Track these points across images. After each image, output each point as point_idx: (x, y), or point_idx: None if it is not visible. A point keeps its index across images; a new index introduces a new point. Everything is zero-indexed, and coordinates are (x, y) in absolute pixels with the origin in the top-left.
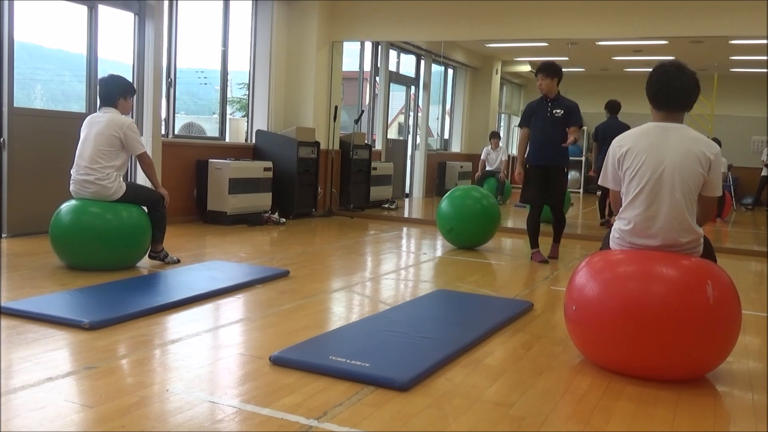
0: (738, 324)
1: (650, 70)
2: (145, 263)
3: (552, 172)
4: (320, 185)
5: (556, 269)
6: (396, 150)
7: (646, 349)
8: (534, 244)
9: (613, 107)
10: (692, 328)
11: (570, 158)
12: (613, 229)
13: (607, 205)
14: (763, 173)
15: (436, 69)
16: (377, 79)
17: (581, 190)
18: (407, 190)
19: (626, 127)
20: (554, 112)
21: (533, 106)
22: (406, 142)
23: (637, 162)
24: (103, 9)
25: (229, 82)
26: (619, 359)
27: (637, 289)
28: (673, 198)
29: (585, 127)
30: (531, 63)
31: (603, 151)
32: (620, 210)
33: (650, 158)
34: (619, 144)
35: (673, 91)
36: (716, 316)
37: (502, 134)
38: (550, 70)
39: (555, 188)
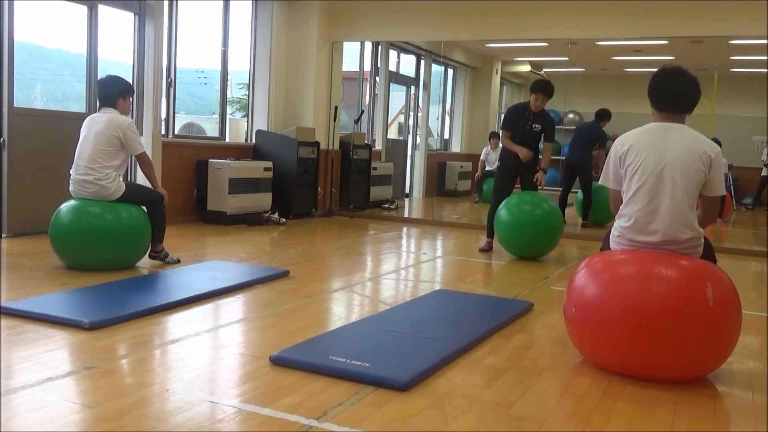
0: (738, 326)
1: (650, 70)
2: (145, 263)
3: (523, 171)
4: (320, 185)
5: (556, 269)
6: (396, 150)
7: (646, 351)
8: (489, 234)
9: (602, 115)
10: (692, 330)
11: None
12: (613, 227)
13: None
14: (763, 173)
15: (436, 69)
16: (377, 79)
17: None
18: (407, 190)
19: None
20: (533, 126)
21: (516, 114)
22: (406, 142)
23: (639, 159)
24: (103, 9)
25: (229, 82)
26: (619, 362)
27: (636, 291)
28: (674, 193)
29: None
30: (531, 63)
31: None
32: (621, 207)
33: (652, 155)
34: (621, 142)
35: (674, 94)
36: (716, 318)
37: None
38: (549, 93)
39: (530, 185)
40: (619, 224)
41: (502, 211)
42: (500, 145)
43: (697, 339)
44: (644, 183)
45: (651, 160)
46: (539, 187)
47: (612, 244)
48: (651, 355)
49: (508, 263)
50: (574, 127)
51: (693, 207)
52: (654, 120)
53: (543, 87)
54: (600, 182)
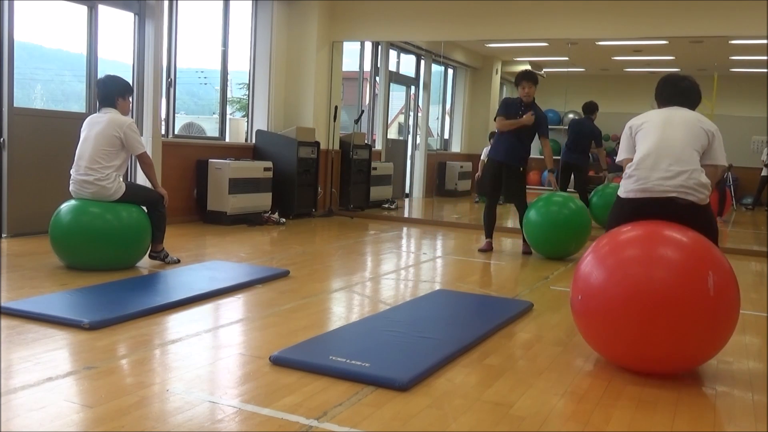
0: (736, 310)
1: (650, 70)
2: (145, 263)
3: (506, 169)
4: (320, 185)
5: (556, 269)
6: (396, 150)
7: (650, 334)
8: (488, 234)
9: (589, 108)
10: (692, 315)
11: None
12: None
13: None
14: (763, 173)
15: (436, 69)
16: (377, 79)
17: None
18: (407, 190)
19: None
20: (523, 117)
21: (508, 106)
22: (406, 142)
23: (649, 121)
24: (103, 9)
25: (229, 82)
26: (624, 344)
27: (640, 275)
28: (682, 136)
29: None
30: (531, 63)
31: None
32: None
33: (660, 116)
34: (633, 120)
35: (678, 89)
36: (717, 303)
37: None
38: (534, 79)
39: (510, 186)
40: (630, 164)
41: (531, 211)
42: None
43: (697, 323)
44: (653, 130)
45: (660, 118)
46: (555, 189)
47: (621, 190)
48: (654, 338)
49: (507, 263)
50: None
51: (697, 154)
52: None
53: (525, 75)
54: (617, 160)
